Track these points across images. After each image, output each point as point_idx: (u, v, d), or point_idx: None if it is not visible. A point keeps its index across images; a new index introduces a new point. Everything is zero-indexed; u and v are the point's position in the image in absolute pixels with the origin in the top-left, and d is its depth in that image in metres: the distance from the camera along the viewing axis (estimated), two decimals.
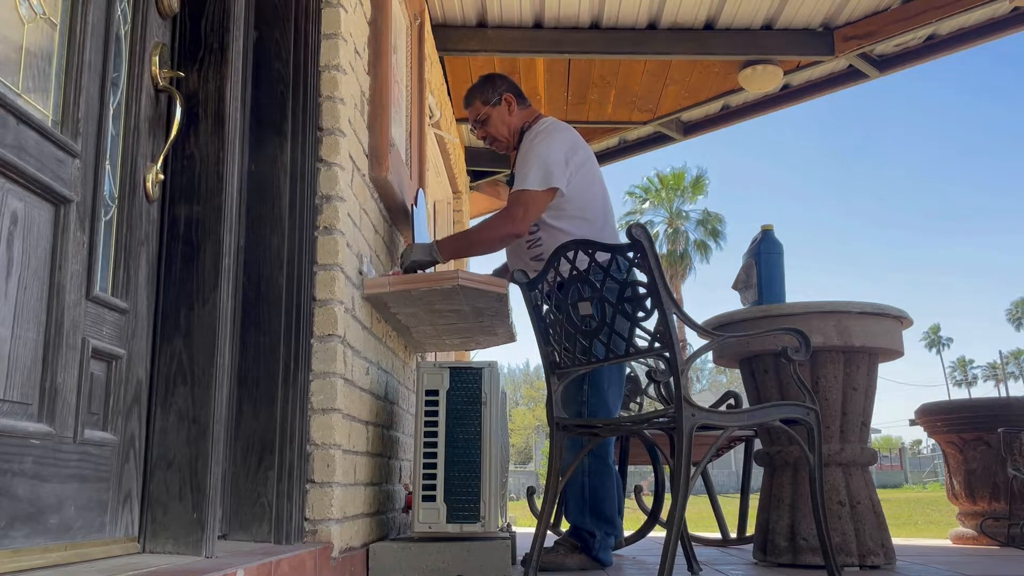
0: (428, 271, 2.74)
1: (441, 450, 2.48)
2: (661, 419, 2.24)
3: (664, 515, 3.51)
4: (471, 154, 6.22)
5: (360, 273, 2.45)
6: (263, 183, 2.15)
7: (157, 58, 1.74)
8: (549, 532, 2.88)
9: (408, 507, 2.81)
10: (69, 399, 1.43)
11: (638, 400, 4.13)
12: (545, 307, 2.51)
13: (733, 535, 3.94)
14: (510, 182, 3.05)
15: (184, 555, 1.60)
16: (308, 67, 2.22)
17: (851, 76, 5.19)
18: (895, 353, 2.95)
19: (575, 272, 2.33)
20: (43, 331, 1.38)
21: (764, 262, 3.08)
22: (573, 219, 2.81)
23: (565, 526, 3.74)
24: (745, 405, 3.41)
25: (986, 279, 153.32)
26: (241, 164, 2.12)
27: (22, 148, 1.32)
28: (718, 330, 2.93)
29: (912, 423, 4.31)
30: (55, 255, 1.41)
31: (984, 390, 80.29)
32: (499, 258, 3.03)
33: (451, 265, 3.47)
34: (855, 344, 2.80)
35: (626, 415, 3.72)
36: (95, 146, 1.54)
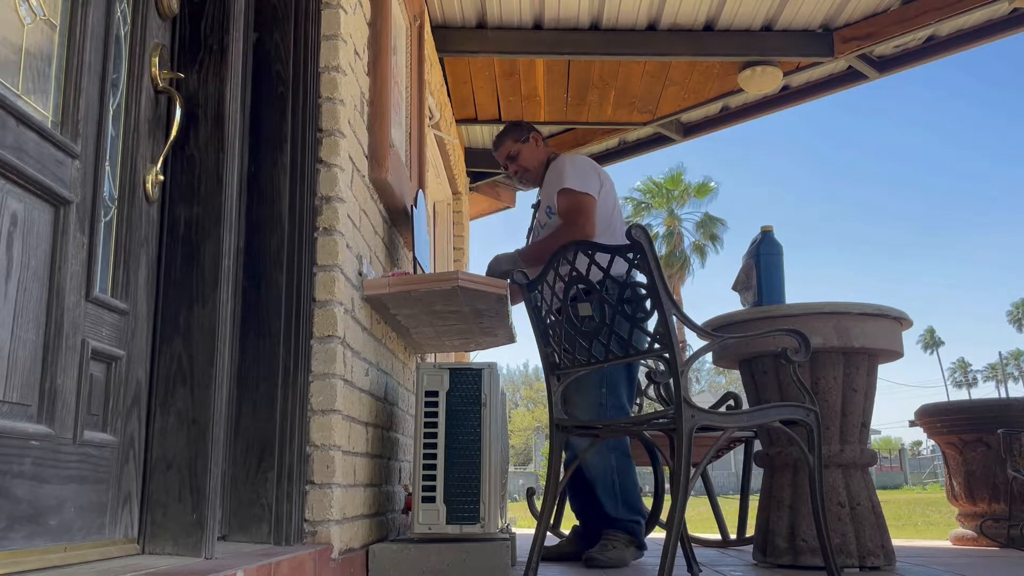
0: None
1: (441, 451, 2.48)
2: (661, 420, 2.24)
3: (664, 516, 3.50)
4: (471, 155, 6.22)
5: (360, 274, 2.45)
6: (263, 184, 2.15)
7: (157, 59, 1.74)
8: (549, 533, 2.88)
9: (408, 508, 2.81)
10: (69, 400, 1.43)
11: (638, 401, 4.13)
12: (544, 308, 2.52)
13: (733, 536, 3.94)
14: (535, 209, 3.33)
15: (184, 556, 1.60)
16: (308, 68, 2.22)
17: (851, 77, 5.20)
18: (895, 354, 2.95)
19: (575, 274, 2.33)
20: (43, 332, 1.38)
21: (764, 263, 3.08)
22: (598, 227, 3.02)
23: (565, 527, 3.75)
24: (745, 406, 3.41)
25: (986, 280, 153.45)
26: (241, 165, 2.12)
27: (22, 149, 1.32)
28: (718, 331, 2.93)
29: (912, 424, 4.31)
30: (55, 256, 1.41)
31: (984, 391, 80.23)
32: None
33: (452, 267, 3.47)
34: (855, 345, 2.80)
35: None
36: (95, 147, 1.54)
